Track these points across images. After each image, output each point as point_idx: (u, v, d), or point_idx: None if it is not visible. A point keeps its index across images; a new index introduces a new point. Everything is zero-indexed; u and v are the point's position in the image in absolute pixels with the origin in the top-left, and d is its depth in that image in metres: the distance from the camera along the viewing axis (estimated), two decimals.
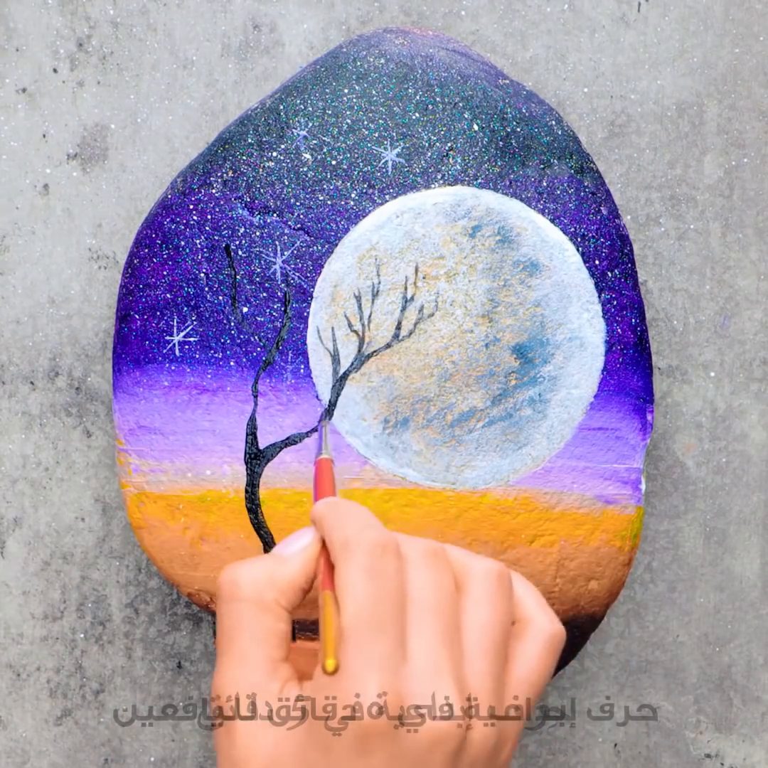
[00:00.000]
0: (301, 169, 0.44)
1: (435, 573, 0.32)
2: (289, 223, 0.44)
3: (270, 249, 0.44)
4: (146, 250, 0.45)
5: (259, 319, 0.44)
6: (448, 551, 0.34)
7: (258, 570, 0.33)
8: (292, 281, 0.44)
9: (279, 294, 0.44)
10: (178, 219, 0.45)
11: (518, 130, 0.45)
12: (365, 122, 0.44)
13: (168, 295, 0.45)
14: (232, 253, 0.44)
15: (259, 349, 0.44)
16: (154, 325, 0.45)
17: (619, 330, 0.45)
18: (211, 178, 0.44)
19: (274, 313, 0.44)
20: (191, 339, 0.44)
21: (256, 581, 0.33)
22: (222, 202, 0.44)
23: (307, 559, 0.34)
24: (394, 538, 0.32)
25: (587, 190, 0.45)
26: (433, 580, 0.32)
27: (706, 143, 0.49)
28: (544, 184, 0.45)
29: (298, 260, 0.44)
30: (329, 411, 0.44)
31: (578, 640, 0.47)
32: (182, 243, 0.44)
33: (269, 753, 0.31)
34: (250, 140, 0.44)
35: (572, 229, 0.45)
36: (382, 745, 0.30)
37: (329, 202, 0.44)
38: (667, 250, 0.49)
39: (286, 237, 0.44)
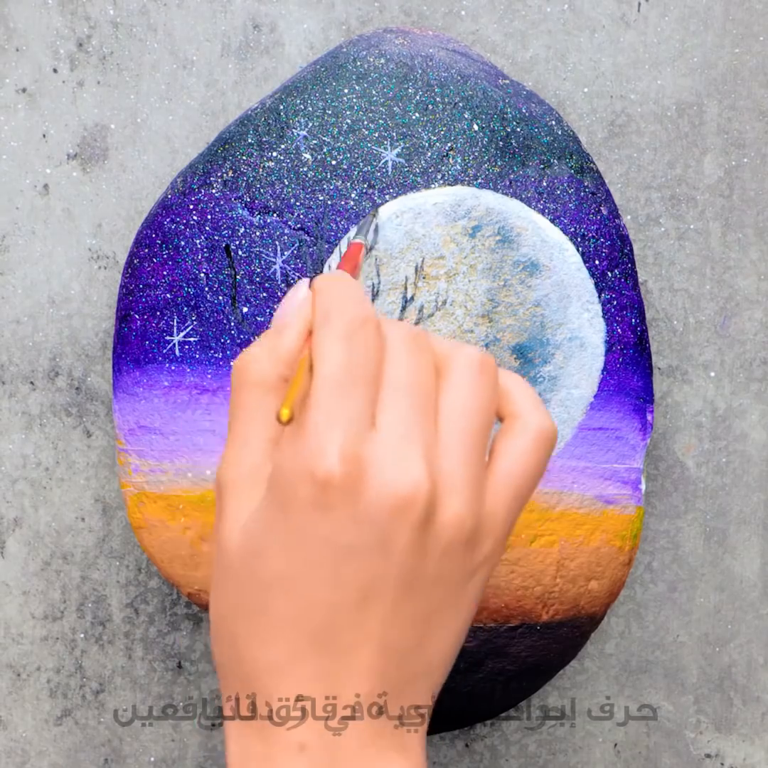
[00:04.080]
0: (301, 169, 0.44)
1: (414, 354, 0.32)
2: (289, 223, 0.44)
3: (270, 249, 0.44)
4: (146, 250, 0.45)
5: (259, 319, 0.44)
6: (433, 338, 0.33)
7: (260, 348, 0.33)
8: (292, 281, 0.44)
9: (279, 294, 0.44)
10: (178, 219, 0.45)
11: (518, 130, 0.45)
12: (365, 122, 0.44)
13: (168, 295, 0.45)
14: (232, 253, 0.44)
15: None
16: (154, 325, 0.45)
17: (619, 330, 0.45)
18: (211, 178, 0.44)
19: (274, 313, 0.44)
20: (191, 339, 0.45)
21: (259, 361, 0.32)
22: (222, 202, 0.44)
23: (302, 323, 0.33)
24: (376, 317, 0.32)
25: (587, 190, 0.45)
26: (410, 361, 0.31)
27: (706, 143, 0.49)
28: (544, 184, 0.45)
29: (298, 260, 0.44)
30: None
31: (578, 640, 0.47)
32: (182, 243, 0.44)
33: (244, 521, 0.31)
34: (250, 140, 0.44)
35: (572, 229, 0.45)
36: (342, 501, 0.29)
37: (329, 202, 0.44)
38: (667, 250, 0.49)
39: (286, 237, 0.44)
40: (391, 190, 0.44)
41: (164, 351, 0.45)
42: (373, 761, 0.31)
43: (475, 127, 0.44)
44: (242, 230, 0.44)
